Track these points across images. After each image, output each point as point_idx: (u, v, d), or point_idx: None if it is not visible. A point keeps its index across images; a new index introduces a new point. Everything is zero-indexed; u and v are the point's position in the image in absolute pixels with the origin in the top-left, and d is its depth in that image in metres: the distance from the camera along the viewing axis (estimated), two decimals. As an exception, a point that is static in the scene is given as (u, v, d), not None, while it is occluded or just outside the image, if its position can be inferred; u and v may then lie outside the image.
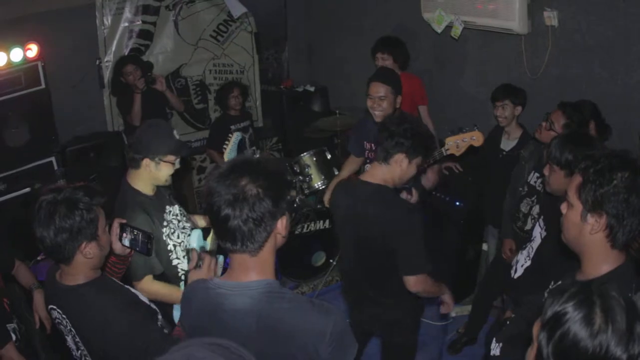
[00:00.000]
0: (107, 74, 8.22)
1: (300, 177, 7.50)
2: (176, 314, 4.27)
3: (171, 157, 4.33)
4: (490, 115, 6.37)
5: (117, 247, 3.78)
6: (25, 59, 6.77)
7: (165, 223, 4.47)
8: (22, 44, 6.69)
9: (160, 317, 3.57)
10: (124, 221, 3.70)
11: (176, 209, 4.66)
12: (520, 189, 5.59)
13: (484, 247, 7.16)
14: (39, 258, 5.86)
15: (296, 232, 7.12)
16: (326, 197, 6.22)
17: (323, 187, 7.24)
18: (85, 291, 3.32)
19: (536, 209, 5.37)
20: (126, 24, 8.25)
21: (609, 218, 2.76)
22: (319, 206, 7.30)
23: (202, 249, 3.63)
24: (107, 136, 8.00)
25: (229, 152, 5.01)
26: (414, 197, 5.44)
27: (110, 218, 3.55)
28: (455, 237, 6.88)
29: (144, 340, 3.25)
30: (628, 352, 1.98)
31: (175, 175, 4.54)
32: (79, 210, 3.18)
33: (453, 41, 7.35)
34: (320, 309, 2.73)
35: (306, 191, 7.53)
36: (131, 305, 3.41)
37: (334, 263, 7.69)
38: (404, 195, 5.25)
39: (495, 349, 3.53)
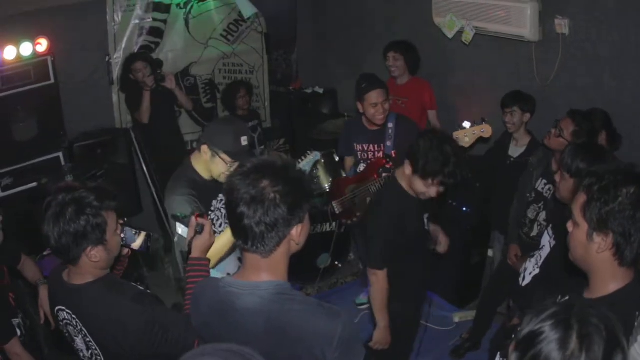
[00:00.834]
0: (116, 71, 8.20)
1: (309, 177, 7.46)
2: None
3: (226, 157, 4.33)
4: (499, 122, 6.36)
5: (124, 250, 3.80)
6: (35, 54, 6.77)
7: (212, 209, 4.53)
8: (32, 39, 6.70)
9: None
10: (121, 222, 3.69)
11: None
12: (528, 195, 5.59)
13: (490, 253, 7.17)
14: (45, 253, 5.86)
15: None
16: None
17: (330, 189, 7.21)
18: (95, 289, 3.32)
19: (542, 216, 5.40)
20: (137, 21, 8.24)
21: (615, 236, 2.68)
22: (325, 208, 7.29)
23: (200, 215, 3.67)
24: (115, 133, 7.99)
25: (303, 165, 5.04)
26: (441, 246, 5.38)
27: (122, 217, 3.54)
28: (461, 243, 6.83)
29: (161, 325, 3.26)
30: None
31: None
32: (85, 216, 3.17)
33: (464, 47, 7.35)
34: (329, 313, 2.71)
35: (315, 192, 7.50)
36: (140, 296, 3.40)
37: (339, 265, 7.70)
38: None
39: None
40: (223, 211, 4.58)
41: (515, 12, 6.44)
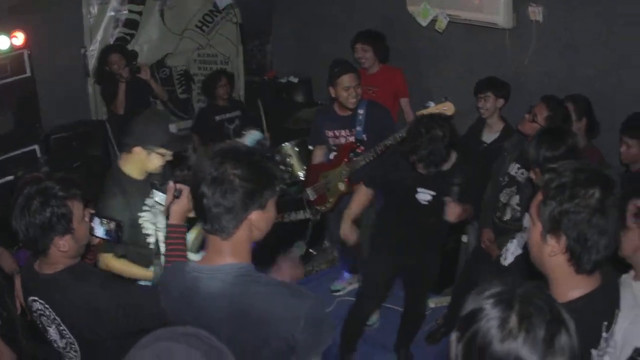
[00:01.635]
0: (92, 63, 8.22)
1: (282, 167, 7.46)
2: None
3: (162, 150, 4.38)
4: (473, 109, 6.41)
5: (95, 240, 3.82)
6: (12, 47, 6.76)
7: (146, 208, 4.51)
8: (9, 32, 6.68)
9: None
10: (92, 211, 3.70)
11: (163, 197, 4.68)
12: (501, 179, 5.64)
13: (464, 239, 7.19)
14: (21, 245, 5.86)
15: (276, 222, 6.99)
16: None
17: (304, 177, 7.26)
18: (66, 277, 3.33)
19: (515, 200, 5.45)
20: (112, 13, 8.27)
21: (568, 240, 2.47)
22: (299, 196, 7.32)
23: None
24: (91, 125, 8.00)
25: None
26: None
27: (91, 206, 3.55)
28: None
29: (134, 305, 3.30)
30: None
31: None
32: (49, 207, 3.18)
33: (437, 34, 7.37)
34: (295, 293, 2.70)
35: (287, 181, 7.50)
36: (109, 281, 3.46)
37: (314, 253, 7.74)
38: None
39: None
40: (159, 207, 4.57)
41: (488, -1, 6.48)
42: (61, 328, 3.40)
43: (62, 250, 3.28)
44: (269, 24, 10.14)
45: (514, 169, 5.50)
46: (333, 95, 6.14)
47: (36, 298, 3.43)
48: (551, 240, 2.50)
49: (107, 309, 3.27)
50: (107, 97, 7.88)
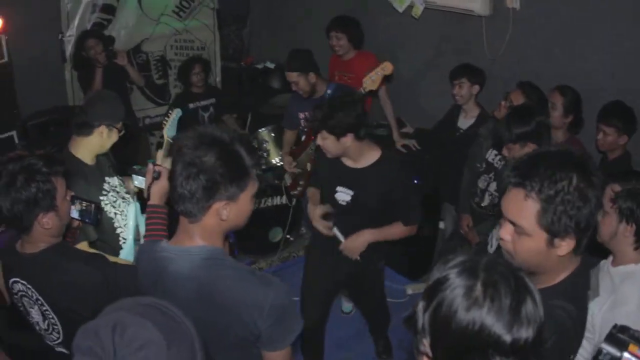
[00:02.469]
0: (69, 49, 8.19)
1: (258, 153, 7.49)
2: None
3: (120, 124, 4.46)
4: (450, 96, 6.45)
5: (75, 222, 3.87)
6: (-11, 33, 6.71)
7: (104, 192, 4.53)
8: (-15, 18, 6.64)
9: None
10: (72, 194, 3.72)
11: (115, 180, 4.71)
12: (478, 165, 5.69)
13: (441, 225, 7.24)
14: (1, 229, 5.86)
15: (254, 208, 6.99)
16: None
17: (280, 163, 7.28)
18: (48, 256, 3.37)
19: (493, 186, 5.50)
20: (90, -2, 8.23)
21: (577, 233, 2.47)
22: (276, 182, 7.35)
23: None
24: (68, 110, 7.96)
25: (168, 128, 4.89)
26: None
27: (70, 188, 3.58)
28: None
29: (116, 281, 3.35)
30: (512, 335, 1.83)
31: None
32: (35, 182, 3.21)
33: (414, 21, 7.40)
34: (261, 280, 2.72)
35: (263, 166, 7.54)
36: (91, 258, 3.49)
37: (291, 239, 7.77)
38: None
39: None
40: (119, 190, 4.65)
41: (465, -14, 6.50)
42: (44, 309, 3.43)
43: (46, 227, 3.30)
44: (245, 9, 10.14)
45: (491, 155, 5.55)
46: None
47: (18, 279, 3.45)
48: (562, 242, 2.49)
49: (93, 285, 3.31)
50: (84, 82, 7.88)
